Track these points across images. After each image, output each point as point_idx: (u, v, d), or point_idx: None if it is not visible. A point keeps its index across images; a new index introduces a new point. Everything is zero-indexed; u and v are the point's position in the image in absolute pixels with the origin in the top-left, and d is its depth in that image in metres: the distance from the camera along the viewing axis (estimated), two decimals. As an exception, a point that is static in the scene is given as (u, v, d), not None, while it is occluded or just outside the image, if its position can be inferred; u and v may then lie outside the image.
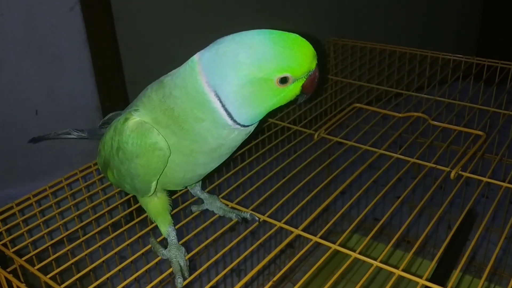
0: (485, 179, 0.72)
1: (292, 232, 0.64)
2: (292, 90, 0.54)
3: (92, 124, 1.49)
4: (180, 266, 0.63)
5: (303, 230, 0.64)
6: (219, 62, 0.52)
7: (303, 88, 0.54)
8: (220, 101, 0.53)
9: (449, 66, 1.18)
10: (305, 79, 0.53)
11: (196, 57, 0.55)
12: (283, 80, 0.51)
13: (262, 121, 0.62)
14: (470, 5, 2.41)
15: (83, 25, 1.38)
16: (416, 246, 0.61)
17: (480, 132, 0.82)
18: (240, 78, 0.51)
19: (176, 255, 0.64)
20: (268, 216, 0.67)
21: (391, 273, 0.55)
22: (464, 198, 1.38)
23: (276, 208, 0.71)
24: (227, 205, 0.72)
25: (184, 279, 0.61)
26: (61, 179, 0.82)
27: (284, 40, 0.51)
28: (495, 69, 1.16)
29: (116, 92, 1.59)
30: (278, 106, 0.55)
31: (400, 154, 0.80)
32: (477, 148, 0.79)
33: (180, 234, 0.67)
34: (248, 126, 0.57)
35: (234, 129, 0.56)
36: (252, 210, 0.68)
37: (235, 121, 0.54)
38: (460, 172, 0.73)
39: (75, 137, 0.81)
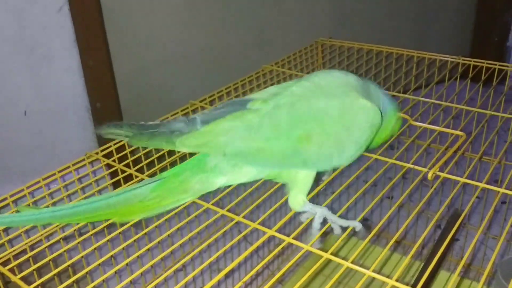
0: (462, 180, 0.72)
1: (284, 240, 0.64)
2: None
3: (82, 125, 1.50)
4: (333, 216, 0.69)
5: (296, 236, 0.63)
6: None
7: None
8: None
9: (436, 66, 1.18)
10: None
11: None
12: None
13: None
14: (464, 5, 2.41)
15: (71, 26, 1.38)
16: (413, 250, 0.61)
17: (459, 133, 0.82)
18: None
19: (323, 210, 0.69)
20: (260, 223, 0.66)
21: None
22: (455, 199, 1.39)
23: (269, 213, 0.71)
24: None
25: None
26: (55, 172, 0.81)
27: None
28: (483, 68, 1.16)
29: (106, 92, 1.59)
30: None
31: (379, 155, 0.80)
32: (456, 148, 0.79)
33: (175, 238, 0.67)
34: None
35: None
36: (244, 216, 0.68)
37: None
38: (437, 173, 0.73)
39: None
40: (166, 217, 0.75)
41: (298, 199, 0.70)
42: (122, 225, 0.74)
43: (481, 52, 2.48)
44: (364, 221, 0.74)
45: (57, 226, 0.73)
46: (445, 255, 1.28)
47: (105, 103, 1.58)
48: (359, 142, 0.68)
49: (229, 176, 0.70)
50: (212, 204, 0.69)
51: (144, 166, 0.87)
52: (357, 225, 0.69)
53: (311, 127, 0.66)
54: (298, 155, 0.67)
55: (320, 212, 0.69)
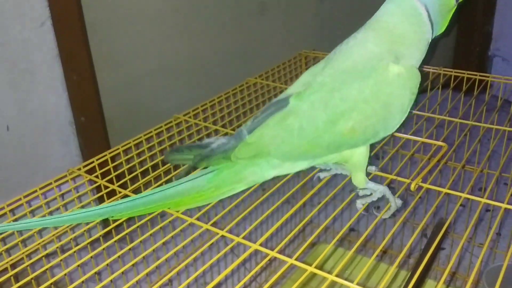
0: (444, 190, 0.73)
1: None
2: (453, 12, 0.73)
3: (66, 140, 1.48)
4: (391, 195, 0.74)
5: (281, 250, 0.63)
6: None
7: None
8: (428, 13, 0.69)
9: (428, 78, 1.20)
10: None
11: None
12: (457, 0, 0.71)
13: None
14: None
15: (54, 40, 1.38)
16: (398, 259, 0.61)
17: (441, 143, 0.83)
18: None
19: (386, 189, 0.74)
20: (246, 236, 0.66)
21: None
22: (439, 207, 1.40)
23: (255, 225, 0.71)
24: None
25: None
26: (36, 189, 0.81)
27: None
28: (464, 79, 1.18)
29: (90, 106, 1.58)
30: (447, 23, 0.74)
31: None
32: (439, 158, 0.80)
33: (160, 252, 0.67)
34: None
35: (430, 40, 0.72)
36: (228, 231, 0.68)
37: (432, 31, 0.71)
38: (420, 184, 0.74)
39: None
40: (151, 231, 0.74)
41: (360, 178, 0.74)
42: (106, 240, 0.74)
43: (464, 61, 2.52)
44: (351, 231, 0.75)
45: (38, 244, 0.72)
46: (430, 264, 1.28)
47: (89, 117, 1.57)
48: (402, 110, 0.69)
49: (281, 168, 0.73)
50: (197, 219, 0.69)
51: (128, 181, 0.86)
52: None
53: (350, 118, 0.67)
54: (345, 144, 0.70)
55: (382, 189, 0.74)
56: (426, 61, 0.74)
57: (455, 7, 0.74)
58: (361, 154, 0.72)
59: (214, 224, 0.69)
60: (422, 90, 1.18)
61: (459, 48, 2.52)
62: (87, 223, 0.74)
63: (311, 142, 0.68)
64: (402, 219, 0.72)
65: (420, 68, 0.72)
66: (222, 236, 0.67)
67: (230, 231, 0.68)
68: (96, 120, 1.63)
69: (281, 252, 0.65)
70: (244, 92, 1.15)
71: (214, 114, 1.07)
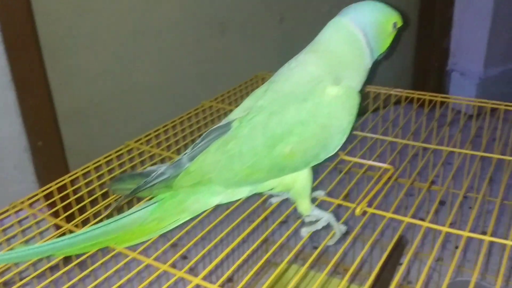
0: (388, 215, 0.74)
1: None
2: (392, 37, 0.76)
3: (21, 166, 1.45)
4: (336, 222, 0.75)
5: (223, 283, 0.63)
6: (361, 13, 0.72)
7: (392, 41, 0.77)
8: (366, 39, 0.71)
9: (381, 99, 1.22)
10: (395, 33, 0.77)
11: (336, 18, 0.74)
12: (394, 25, 0.75)
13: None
14: (404, 34, 2.50)
15: (7, 64, 1.35)
16: (369, 282, 0.61)
17: (387, 166, 0.84)
18: (376, 21, 0.72)
19: (330, 216, 0.75)
20: (193, 267, 0.65)
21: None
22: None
23: (198, 258, 0.71)
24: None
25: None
26: None
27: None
28: (419, 100, 1.20)
29: (48, 130, 1.55)
30: (384, 49, 0.76)
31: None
32: (384, 182, 0.81)
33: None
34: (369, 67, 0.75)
35: (369, 64, 0.75)
36: (172, 263, 0.67)
37: (371, 56, 0.73)
38: (365, 209, 0.75)
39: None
40: (101, 260, 0.73)
41: (304, 206, 0.75)
42: (66, 264, 0.72)
43: (423, 77, 2.58)
44: (314, 248, 0.76)
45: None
46: (389, 280, 1.29)
47: (47, 141, 1.55)
48: (342, 131, 0.70)
49: (225, 195, 0.73)
50: (139, 253, 0.68)
51: (76, 212, 0.85)
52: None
53: (289, 141, 0.68)
54: (286, 167, 0.70)
55: (326, 217, 0.75)
56: (368, 82, 0.76)
57: (394, 32, 0.76)
58: (303, 180, 0.72)
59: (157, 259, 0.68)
60: (374, 109, 1.22)
61: (419, 64, 2.58)
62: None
63: (251, 166, 0.68)
64: (372, 241, 0.73)
65: (363, 89, 0.74)
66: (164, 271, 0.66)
67: (174, 264, 0.67)
68: (55, 144, 1.61)
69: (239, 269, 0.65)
70: (199, 116, 1.15)
71: (168, 139, 1.07)
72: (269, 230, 0.76)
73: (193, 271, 1.35)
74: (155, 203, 0.71)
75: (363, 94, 0.76)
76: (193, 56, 1.86)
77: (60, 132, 1.60)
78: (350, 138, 0.90)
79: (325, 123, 0.68)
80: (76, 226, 0.77)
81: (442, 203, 1.62)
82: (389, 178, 0.83)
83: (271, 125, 0.68)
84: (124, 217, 0.69)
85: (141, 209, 0.71)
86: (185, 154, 0.72)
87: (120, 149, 0.97)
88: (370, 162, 0.87)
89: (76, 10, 1.54)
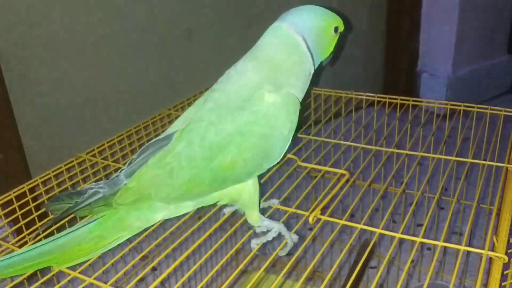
0: (341, 222, 0.72)
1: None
2: (335, 41, 0.75)
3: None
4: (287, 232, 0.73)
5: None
6: (300, 18, 0.71)
7: (335, 46, 0.76)
8: (306, 44, 0.70)
9: (353, 104, 1.21)
10: (337, 38, 0.76)
11: (276, 23, 0.73)
12: (336, 30, 0.74)
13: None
14: (373, 36, 2.51)
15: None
16: (325, 282, 0.59)
17: (343, 171, 0.83)
18: (316, 26, 0.71)
19: (281, 226, 0.73)
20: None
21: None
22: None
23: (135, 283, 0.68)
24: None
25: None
26: None
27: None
28: (375, 102, 1.19)
29: (8, 142, 1.51)
30: (328, 54, 0.76)
31: (266, 200, 0.79)
32: (339, 188, 0.79)
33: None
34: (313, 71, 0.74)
35: (311, 70, 0.73)
36: (114, 283, 0.64)
37: (313, 61, 0.72)
38: (318, 216, 0.73)
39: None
40: (41, 280, 0.69)
41: (254, 217, 0.72)
42: (30, 284, 0.69)
43: (394, 78, 2.59)
44: (288, 254, 0.74)
45: None
46: (357, 284, 1.28)
47: (7, 153, 1.51)
48: (283, 139, 0.67)
49: (167, 211, 0.70)
50: (80, 272, 0.65)
51: (10, 235, 0.81)
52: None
53: (228, 152, 0.65)
54: (228, 179, 0.68)
55: (277, 227, 0.73)
56: (312, 87, 0.75)
57: (336, 37, 0.75)
58: (249, 191, 0.70)
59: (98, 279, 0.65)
60: (335, 115, 1.20)
61: (389, 66, 2.59)
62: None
63: (191, 180, 0.66)
64: (329, 241, 0.71)
65: (306, 94, 0.73)
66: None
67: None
68: (16, 156, 1.56)
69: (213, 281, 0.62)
70: (156, 124, 1.12)
71: (123, 148, 1.04)
72: (240, 242, 0.73)
73: (163, 285, 1.32)
74: (95, 220, 0.68)
75: (306, 102, 0.75)
76: (158, 62, 1.82)
77: (21, 144, 1.55)
78: (319, 144, 0.89)
79: (264, 132, 0.66)
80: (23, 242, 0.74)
81: (416, 206, 1.61)
82: (346, 181, 0.81)
83: (209, 136, 0.65)
84: (62, 236, 0.66)
85: (80, 228, 0.67)
86: (122, 170, 0.69)
87: (71, 161, 0.94)
88: (326, 168, 0.85)
89: (31, 19, 1.50)
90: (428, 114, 1.18)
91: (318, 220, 0.73)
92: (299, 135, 1.00)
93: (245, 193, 0.70)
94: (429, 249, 1.46)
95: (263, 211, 0.76)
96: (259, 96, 0.66)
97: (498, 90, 2.66)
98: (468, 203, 1.21)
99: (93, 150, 0.98)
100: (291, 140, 0.68)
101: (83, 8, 1.58)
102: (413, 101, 1.18)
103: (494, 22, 2.50)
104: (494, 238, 0.77)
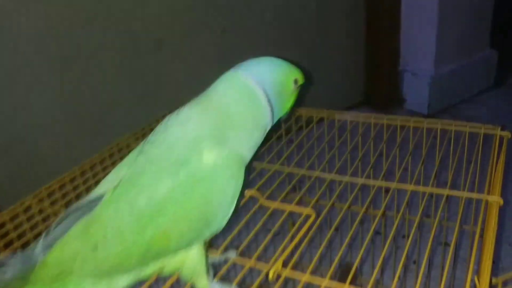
0: (304, 278, 0.65)
1: None
2: (295, 96, 0.69)
3: None
4: None
5: None
6: (259, 68, 0.64)
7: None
8: (266, 96, 0.63)
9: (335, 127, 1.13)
10: (297, 91, 0.70)
11: (232, 71, 0.64)
12: (296, 82, 0.68)
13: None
14: (353, 39, 2.44)
15: None
16: None
17: (309, 211, 0.76)
18: (275, 77, 0.65)
19: None
20: None
21: None
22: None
23: None
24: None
25: None
26: None
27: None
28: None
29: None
30: (288, 108, 0.69)
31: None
32: (303, 233, 0.72)
33: None
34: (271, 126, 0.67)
35: (268, 126, 0.66)
36: None
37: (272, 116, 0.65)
38: (279, 271, 0.65)
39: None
40: None
41: (202, 285, 0.64)
42: None
43: (375, 79, 2.52)
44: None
45: None
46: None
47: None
48: (226, 203, 0.60)
49: (100, 286, 0.61)
50: None
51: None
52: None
53: (160, 223, 0.57)
54: (163, 252, 0.59)
55: None
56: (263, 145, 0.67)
57: (296, 91, 0.69)
58: (194, 258, 0.62)
59: None
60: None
61: (370, 66, 2.52)
62: None
63: (119, 255, 0.57)
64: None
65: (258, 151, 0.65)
66: None
67: None
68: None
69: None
70: (115, 157, 1.04)
71: (77, 187, 0.96)
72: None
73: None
74: None
75: (252, 161, 0.67)
76: (130, 76, 1.74)
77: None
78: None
79: (202, 198, 0.58)
80: None
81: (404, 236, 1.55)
82: (311, 225, 0.74)
83: (138, 204, 0.57)
84: None
85: None
86: (39, 240, 0.60)
87: (15, 208, 0.86)
88: (291, 207, 0.78)
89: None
90: (404, 131, 1.10)
91: (279, 276, 0.66)
92: (264, 166, 0.93)
93: (189, 261, 0.62)
94: (414, 262, 1.40)
95: (219, 266, 0.69)
96: (197, 154, 0.58)
97: (482, 86, 2.61)
98: (450, 224, 1.14)
99: (40, 192, 0.90)
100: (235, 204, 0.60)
101: (49, 23, 1.49)
102: (387, 119, 1.10)
103: (475, 16, 2.44)
104: (476, 279, 0.71)
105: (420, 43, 2.39)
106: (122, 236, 0.57)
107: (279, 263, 0.66)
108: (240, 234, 0.77)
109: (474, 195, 0.79)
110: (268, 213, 0.79)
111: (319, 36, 2.30)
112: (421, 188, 0.84)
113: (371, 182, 0.88)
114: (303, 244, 0.72)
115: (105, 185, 0.63)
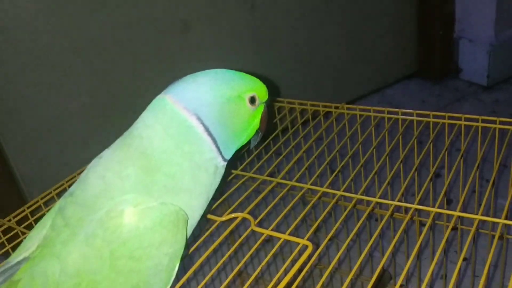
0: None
1: None
2: (257, 116, 0.55)
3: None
4: None
5: None
6: (193, 89, 0.51)
7: (260, 121, 0.56)
8: (203, 125, 0.50)
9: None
10: (262, 109, 0.56)
11: (160, 96, 0.52)
12: (252, 100, 0.54)
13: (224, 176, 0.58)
14: (403, 6, 2.21)
15: None
16: None
17: (306, 242, 0.64)
18: (217, 98, 0.51)
19: None
20: None
21: None
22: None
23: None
24: None
25: None
26: None
27: (243, 73, 0.55)
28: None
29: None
30: (248, 134, 0.55)
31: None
32: (299, 267, 0.61)
33: None
34: (225, 161, 0.54)
35: (219, 162, 0.53)
36: None
37: (218, 149, 0.52)
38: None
39: None
40: None
41: None
42: None
43: (428, 47, 2.31)
44: None
45: None
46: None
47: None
48: (161, 270, 0.49)
49: None
50: None
51: None
52: None
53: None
54: None
55: None
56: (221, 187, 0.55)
57: (258, 110, 0.55)
58: None
59: None
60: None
61: (422, 34, 2.30)
62: None
63: None
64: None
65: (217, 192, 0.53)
66: None
67: None
68: (5, 179, 1.49)
69: None
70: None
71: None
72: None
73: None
74: None
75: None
76: (155, 58, 1.66)
77: (9, 165, 1.47)
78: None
79: (127, 267, 0.47)
80: None
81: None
82: (308, 258, 0.63)
83: (52, 276, 0.48)
84: None
85: None
86: None
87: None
88: (285, 236, 0.67)
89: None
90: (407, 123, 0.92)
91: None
92: (264, 177, 0.81)
93: None
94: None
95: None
96: (117, 214, 0.47)
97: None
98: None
99: (24, 210, 0.83)
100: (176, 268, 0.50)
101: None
102: (388, 111, 0.93)
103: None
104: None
105: (478, 6, 2.13)
106: None
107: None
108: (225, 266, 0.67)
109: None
110: (260, 239, 0.69)
111: (365, 2, 2.10)
112: (444, 211, 0.70)
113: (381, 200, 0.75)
114: (298, 279, 0.61)
115: (29, 243, 0.54)
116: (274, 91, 0.59)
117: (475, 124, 0.84)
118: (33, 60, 1.43)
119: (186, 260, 0.70)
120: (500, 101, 2.13)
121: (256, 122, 0.56)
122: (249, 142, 0.57)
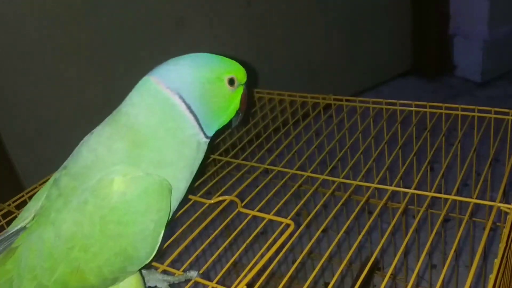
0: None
1: None
2: (236, 97, 0.58)
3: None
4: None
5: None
6: (176, 70, 0.55)
7: (240, 102, 0.59)
8: (185, 104, 0.54)
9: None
10: (241, 91, 0.59)
11: (145, 77, 0.56)
12: (231, 82, 0.57)
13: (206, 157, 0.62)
14: (398, 7, 2.25)
15: None
16: None
17: (287, 221, 0.67)
18: (198, 78, 0.54)
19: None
20: None
21: None
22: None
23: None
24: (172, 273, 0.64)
25: None
26: None
27: (223, 56, 0.59)
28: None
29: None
30: (228, 114, 0.58)
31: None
32: (280, 244, 0.64)
33: None
34: (208, 138, 0.58)
35: (201, 138, 0.56)
36: None
37: (200, 126, 0.55)
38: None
39: None
40: None
41: None
42: None
43: (423, 43, 2.34)
44: None
45: None
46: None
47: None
48: (147, 235, 0.52)
49: None
50: None
51: None
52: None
53: (72, 260, 0.52)
54: (84, 286, 0.54)
55: None
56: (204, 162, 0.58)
57: (237, 91, 0.58)
58: (136, 283, 0.57)
59: None
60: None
61: (417, 31, 2.33)
62: None
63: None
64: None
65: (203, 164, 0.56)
66: None
67: None
68: (5, 173, 1.52)
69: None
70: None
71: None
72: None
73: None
74: None
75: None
76: (149, 54, 1.69)
77: (10, 160, 1.50)
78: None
79: (116, 232, 0.51)
80: None
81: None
82: (290, 235, 0.66)
83: (48, 240, 0.52)
84: None
85: None
86: None
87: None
88: (270, 216, 0.70)
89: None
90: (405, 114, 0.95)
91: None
92: (253, 164, 0.84)
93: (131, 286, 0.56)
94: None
95: (179, 286, 0.63)
96: (107, 183, 0.51)
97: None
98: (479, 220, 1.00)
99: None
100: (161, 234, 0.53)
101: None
102: (386, 102, 0.95)
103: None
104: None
105: (472, 4, 2.16)
106: (35, 273, 0.52)
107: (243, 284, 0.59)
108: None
109: (486, 202, 0.67)
110: (246, 220, 0.72)
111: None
112: (422, 193, 0.73)
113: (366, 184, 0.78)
114: (279, 256, 0.64)
115: (26, 214, 0.58)
116: (252, 75, 0.61)
117: (471, 114, 0.87)
118: (33, 59, 1.46)
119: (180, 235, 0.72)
120: (494, 97, 2.16)
121: (236, 103, 0.59)
122: (230, 122, 0.60)
